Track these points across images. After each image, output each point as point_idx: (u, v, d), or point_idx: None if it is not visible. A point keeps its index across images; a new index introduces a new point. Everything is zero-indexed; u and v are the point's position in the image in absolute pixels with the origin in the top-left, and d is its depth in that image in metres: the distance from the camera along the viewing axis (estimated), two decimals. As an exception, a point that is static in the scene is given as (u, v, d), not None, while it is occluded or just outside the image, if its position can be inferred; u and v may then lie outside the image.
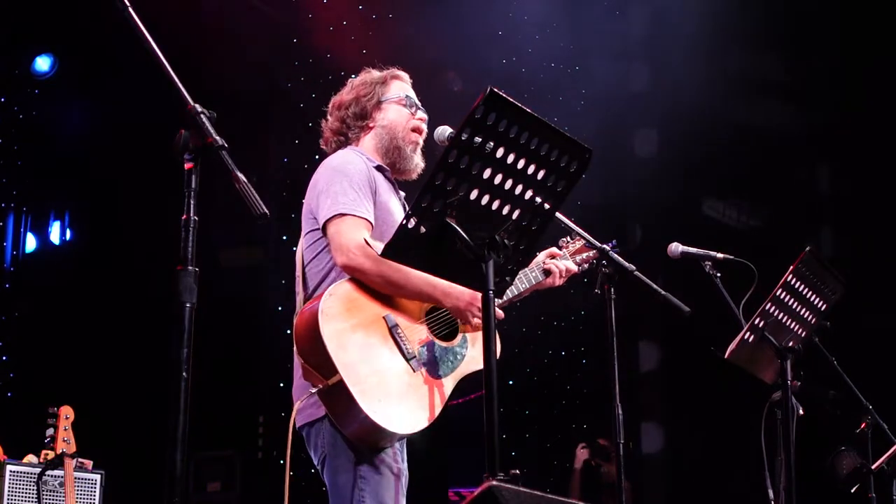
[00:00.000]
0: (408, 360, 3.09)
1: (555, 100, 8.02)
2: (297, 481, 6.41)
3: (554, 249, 3.62)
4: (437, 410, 3.10)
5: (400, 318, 3.14)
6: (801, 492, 3.52)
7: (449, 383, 3.18)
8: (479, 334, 3.24)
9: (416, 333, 3.17)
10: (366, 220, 3.16)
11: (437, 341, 3.21)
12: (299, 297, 3.28)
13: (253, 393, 8.07)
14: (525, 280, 3.51)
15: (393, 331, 3.10)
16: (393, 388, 3.03)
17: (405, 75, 3.55)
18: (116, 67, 6.94)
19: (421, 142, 3.47)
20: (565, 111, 7.74)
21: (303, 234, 3.33)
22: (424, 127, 3.48)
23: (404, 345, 3.10)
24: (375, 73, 3.52)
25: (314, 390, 2.99)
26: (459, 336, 3.28)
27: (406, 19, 7.60)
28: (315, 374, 2.99)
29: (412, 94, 3.52)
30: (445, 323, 3.27)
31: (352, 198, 3.16)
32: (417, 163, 3.46)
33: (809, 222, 7.69)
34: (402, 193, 3.51)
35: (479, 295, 3.02)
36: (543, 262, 3.55)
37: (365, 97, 3.44)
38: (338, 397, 2.96)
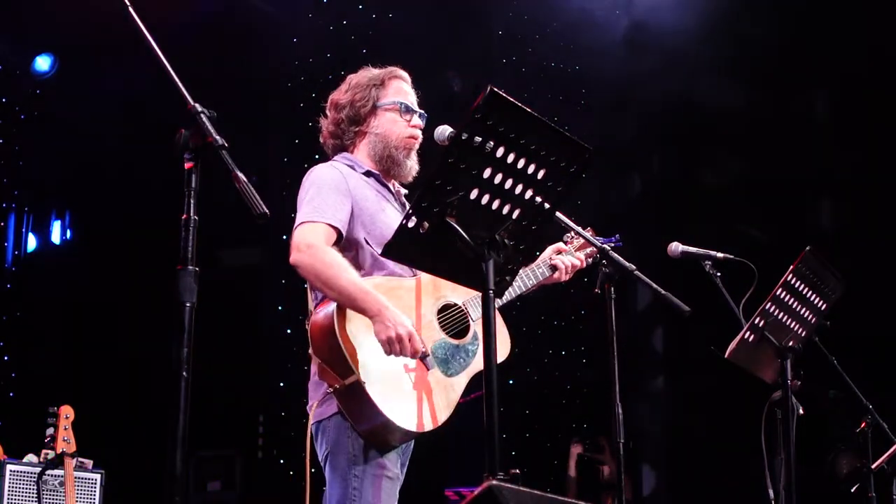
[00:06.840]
0: (422, 360, 3.12)
1: (555, 100, 8.01)
2: (298, 481, 6.40)
3: (560, 245, 3.67)
4: (451, 408, 3.17)
5: (412, 317, 3.16)
6: (801, 492, 3.52)
7: (461, 381, 3.24)
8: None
9: (428, 332, 3.21)
10: (325, 223, 3.16)
11: (449, 339, 3.26)
12: (311, 302, 3.28)
13: (253, 393, 8.06)
14: (532, 276, 3.58)
15: None
16: (407, 387, 3.09)
17: (405, 74, 3.49)
18: (116, 67, 6.93)
19: (416, 146, 3.43)
20: (565, 111, 7.73)
21: None
22: (419, 133, 3.43)
23: None
24: (374, 72, 3.46)
25: (330, 390, 3.04)
26: (470, 333, 3.32)
27: (406, 19, 7.59)
28: (331, 374, 3.03)
29: (410, 96, 3.46)
30: (456, 321, 3.31)
31: (315, 205, 3.19)
32: (411, 166, 3.42)
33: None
34: (403, 191, 3.50)
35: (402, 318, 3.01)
36: (550, 258, 3.61)
37: (360, 102, 3.39)
38: (354, 396, 3.01)
